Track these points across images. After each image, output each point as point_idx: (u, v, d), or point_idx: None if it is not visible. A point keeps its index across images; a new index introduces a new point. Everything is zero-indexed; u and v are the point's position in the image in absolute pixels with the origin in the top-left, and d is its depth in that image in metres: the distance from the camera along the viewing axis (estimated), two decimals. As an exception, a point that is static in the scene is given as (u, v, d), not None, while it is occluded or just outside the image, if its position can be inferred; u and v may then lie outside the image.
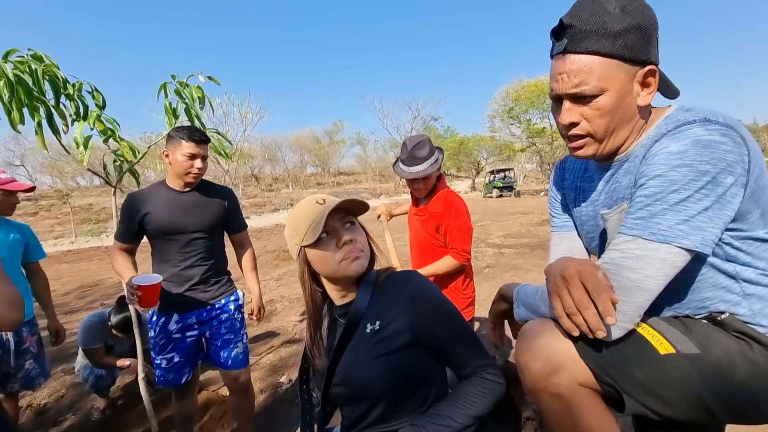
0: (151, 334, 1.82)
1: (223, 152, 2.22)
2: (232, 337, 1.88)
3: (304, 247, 0.90)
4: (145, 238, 1.83)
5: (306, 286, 0.96)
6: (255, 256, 2.09)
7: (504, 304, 0.99)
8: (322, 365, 0.97)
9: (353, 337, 0.91)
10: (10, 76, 1.51)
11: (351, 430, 0.94)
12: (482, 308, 2.11)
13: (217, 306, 1.86)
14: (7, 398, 2.05)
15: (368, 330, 0.90)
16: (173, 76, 2.09)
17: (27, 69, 1.58)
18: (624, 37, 0.75)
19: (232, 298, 1.92)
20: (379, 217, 2.45)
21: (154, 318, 1.81)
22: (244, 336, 1.95)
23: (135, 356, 2.34)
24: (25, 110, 1.69)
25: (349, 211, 0.93)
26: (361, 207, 0.94)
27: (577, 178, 1.01)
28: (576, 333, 0.69)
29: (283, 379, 2.82)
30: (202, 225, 1.80)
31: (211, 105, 2.24)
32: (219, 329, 1.86)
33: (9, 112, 1.54)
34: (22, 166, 35.82)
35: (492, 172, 29.36)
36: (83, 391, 2.82)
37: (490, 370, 0.86)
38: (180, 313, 1.80)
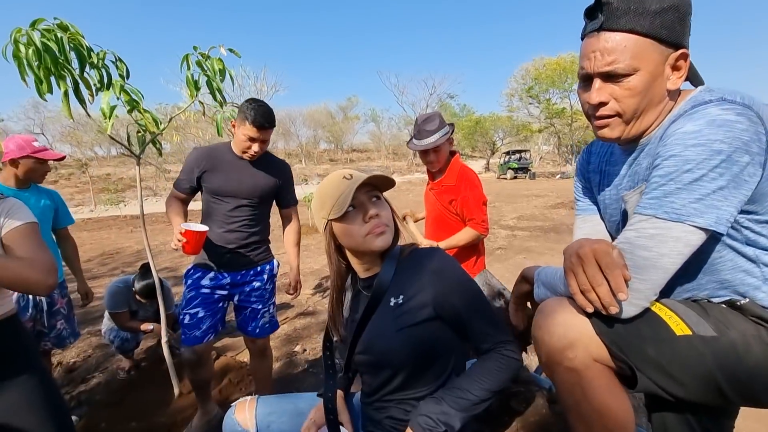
0: (184, 286, 1.88)
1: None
2: (260, 307, 1.94)
3: (331, 220, 0.93)
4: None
5: (332, 259, 1.00)
6: (299, 232, 2.14)
7: (526, 286, 1.01)
8: (344, 334, 1.01)
9: (377, 310, 0.95)
10: (38, 44, 1.54)
11: (371, 396, 0.99)
12: (495, 287, 2.13)
13: (251, 272, 1.92)
14: (41, 356, 2.18)
15: (392, 303, 0.93)
16: (195, 48, 2.09)
17: (53, 37, 1.60)
18: (662, 16, 0.74)
19: (268, 267, 1.98)
20: (404, 218, 2.50)
21: (191, 271, 1.88)
22: (272, 306, 2.02)
23: (158, 321, 2.45)
24: (52, 79, 1.73)
25: (375, 186, 0.95)
26: (388, 183, 0.96)
27: (602, 162, 1.01)
28: (590, 309, 0.71)
29: (298, 348, 2.93)
30: (253, 193, 1.85)
31: (231, 78, 2.24)
32: (249, 297, 1.92)
33: (40, 82, 1.57)
34: (42, 134, 36.44)
35: (507, 153, 28.84)
36: (109, 352, 2.97)
37: (508, 346, 0.89)
38: (216, 271, 1.86)
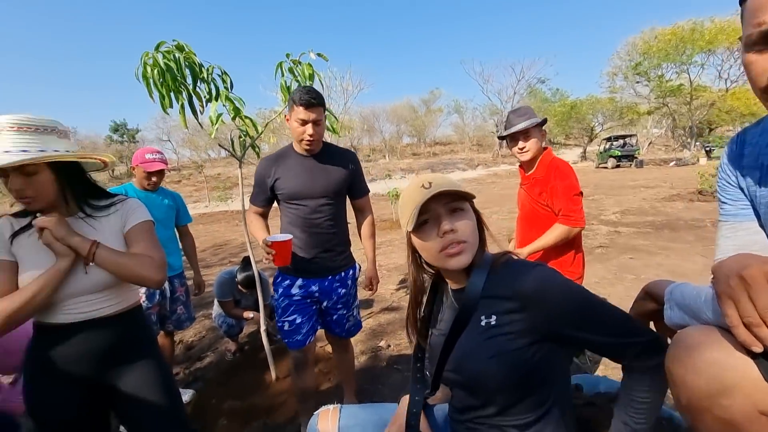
0: (275, 295, 1.88)
1: (331, 128, 2.30)
2: (345, 312, 1.92)
3: (410, 231, 0.89)
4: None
5: (410, 270, 0.96)
6: (374, 223, 2.04)
7: (651, 304, 0.84)
8: (429, 348, 0.96)
9: (466, 327, 0.88)
10: (161, 64, 1.74)
11: (462, 414, 0.92)
12: (592, 291, 1.90)
13: (336, 278, 1.87)
14: (166, 335, 2.52)
15: (483, 323, 0.85)
16: (287, 55, 2.20)
17: (172, 57, 1.80)
18: None
19: (351, 271, 1.93)
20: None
21: (279, 279, 1.87)
22: (356, 309, 1.99)
23: (258, 310, 2.67)
24: (171, 94, 1.95)
25: (458, 195, 0.87)
26: (465, 195, 0.87)
27: (764, 155, 0.79)
28: (758, 348, 0.55)
29: (382, 343, 2.96)
30: (327, 190, 1.77)
31: (321, 81, 2.32)
32: (336, 304, 1.88)
33: (162, 97, 1.79)
34: (169, 141, 42.66)
35: (608, 139, 25.83)
36: (218, 335, 3.34)
37: (648, 354, 0.78)
38: (303, 278, 1.82)
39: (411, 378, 1.04)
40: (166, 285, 2.39)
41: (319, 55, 2.28)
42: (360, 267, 2.03)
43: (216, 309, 3.06)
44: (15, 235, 1.09)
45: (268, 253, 1.62)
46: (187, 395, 2.43)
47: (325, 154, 1.81)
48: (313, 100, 1.63)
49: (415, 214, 0.83)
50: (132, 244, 1.18)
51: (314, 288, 1.83)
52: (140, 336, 1.24)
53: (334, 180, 1.79)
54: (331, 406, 1.10)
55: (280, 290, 1.84)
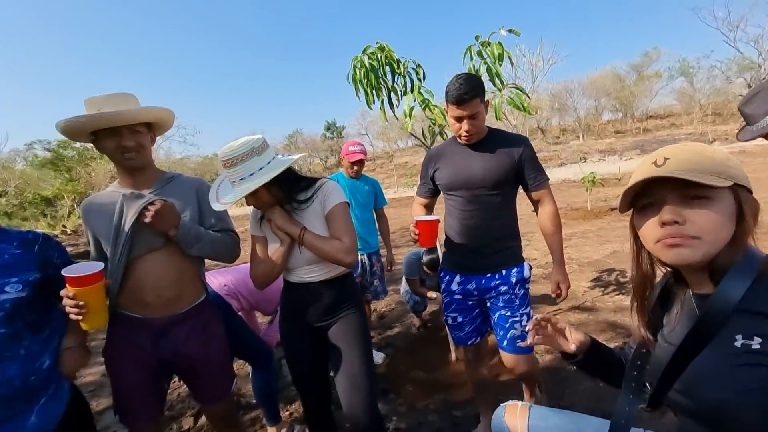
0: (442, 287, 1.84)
1: (521, 106, 2.17)
2: (508, 314, 1.67)
3: (634, 210, 0.77)
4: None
5: (632, 254, 0.83)
6: (557, 215, 1.75)
7: None
8: (657, 354, 0.80)
9: (708, 343, 0.69)
10: (367, 65, 1.99)
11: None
12: None
13: (496, 276, 1.67)
14: (364, 304, 2.93)
15: (737, 344, 0.66)
16: (476, 37, 2.17)
17: (376, 57, 2.02)
18: None
19: (515, 270, 1.68)
20: None
21: (442, 273, 1.83)
22: (524, 317, 1.68)
23: (440, 291, 2.79)
24: (373, 92, 2.20)
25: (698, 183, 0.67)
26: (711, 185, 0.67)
27: None
28: None
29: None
30: (486, 180, 1.62)
31: (510, 60, 2.21)
32: (497, 301, 1.69)
33: (367, 95, 2.04)
34: (366, 134, 48.83)
35: None
36: (406, 309, 3.67)
37: None
38: (462, 275, 1.73)
39: (624, 384, 0.89)
40: (366, 260, 2.76)
41: (510, 31, 2.16)
42: (531, 268, 1.76)
43: (404, 285, 3.36)
44: (261, 218, 1.46)
45: (414, 233, 1.60)
46: (379, 357, 2.79)
47: (489, 141, 1.66)
48: (464, 96, 1.51)
49: (633, 194, 0.73)
50: (330, 225, 1.39)
51: (471, 286, 1.71)
52: (349, 296, 1.49)
53: (494, 169, 1.62)
54: (519, 402, 1.06)
55: (443, 285, 1.82)
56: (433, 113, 2.38)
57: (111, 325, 1.33)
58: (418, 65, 2.18)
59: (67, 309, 1.09)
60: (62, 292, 1.08)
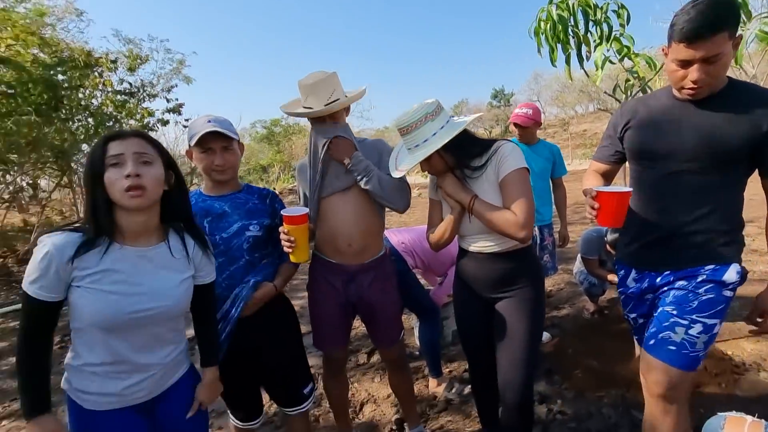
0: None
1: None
2: (674, 311, 1.25)
3: None
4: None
5: None
6: None
7: None
8: None
9: None
10: (554, 16, 1.78)
11: None
12: None
13: (681, 274, 1.28)
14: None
15: None
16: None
17: (566, 6, 1.79)
18: None
19: (716, 270, 1.23)
20: None
21: (617, 266, 1.54)
22: (698, 325, 1.20)
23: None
24: (558, 47, 1.97)
25: None
26: None
27: None
28: None
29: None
30: (697, 152, 1.20)
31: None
32: (666, 295, 1.31)
33: (552, 50, 1.84)
34: (538, 100, 44.44)
35: None
36: (578, 291, 3.32)
37: None
38: (638, 269, 1.42)
39: None
40: (537, 232, 2.58)
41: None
42: (741, 272, 1.24)
43: (578, 265, 3.03)
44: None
45: (591, 207, 1.22)
46: (544, 336, 2.63)
47: (726, 98, 1.19)
48: (702, 29, 1.06)
49: None
50: (503, 194, 1.31)
51: (644, 283, 1.38)
52: (526, 272, 1.41)
53: (722, 138, 1.17)
54: (749, 418, 0.85)
55: (619, 281, 1.53)
56: (634, 62, 1.98)
57: (313, 266, 1.64)
58: (622, 6, 1.82)
59: (282, 242, 1.35)
60: (280, 229, 1.36)
